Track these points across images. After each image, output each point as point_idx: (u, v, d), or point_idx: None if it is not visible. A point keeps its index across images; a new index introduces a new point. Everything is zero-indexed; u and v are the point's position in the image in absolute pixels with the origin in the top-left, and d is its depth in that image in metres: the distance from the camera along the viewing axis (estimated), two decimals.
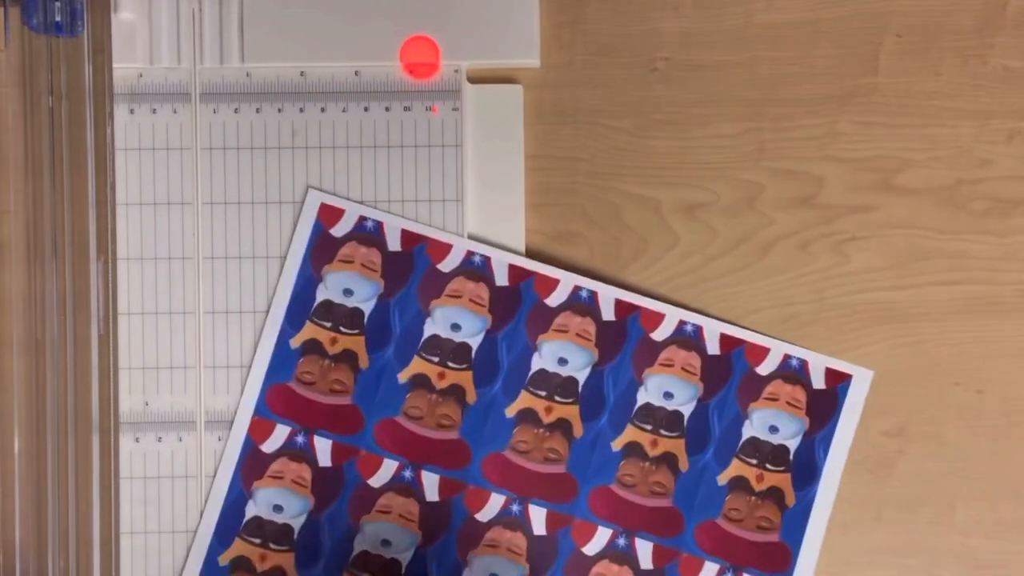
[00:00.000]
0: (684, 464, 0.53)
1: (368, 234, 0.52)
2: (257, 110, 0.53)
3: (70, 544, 0.53)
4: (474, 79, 0.54)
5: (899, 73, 0.55)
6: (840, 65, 0.54)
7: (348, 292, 0.52)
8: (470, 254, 0.53)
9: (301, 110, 0.53)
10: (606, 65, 0.54)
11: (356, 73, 0.53)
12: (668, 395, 0.53)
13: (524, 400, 0.53)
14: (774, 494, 0.53)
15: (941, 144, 0.55)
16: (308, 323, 0.52)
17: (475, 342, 0.53)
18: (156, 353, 0.53)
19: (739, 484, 0.53)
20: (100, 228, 0.53)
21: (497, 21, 0.53)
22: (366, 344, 0.52)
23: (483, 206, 0.53)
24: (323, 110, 0.53)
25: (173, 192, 0.53)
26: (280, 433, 0.52)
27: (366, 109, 0.53)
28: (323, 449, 0.52)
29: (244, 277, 0.53)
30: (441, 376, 0.52)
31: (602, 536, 0.53)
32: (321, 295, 0.52)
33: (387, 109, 0.53)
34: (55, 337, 0.53)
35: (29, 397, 0.53)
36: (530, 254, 0.54)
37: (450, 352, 0.52)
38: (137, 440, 0.52)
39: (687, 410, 0.53)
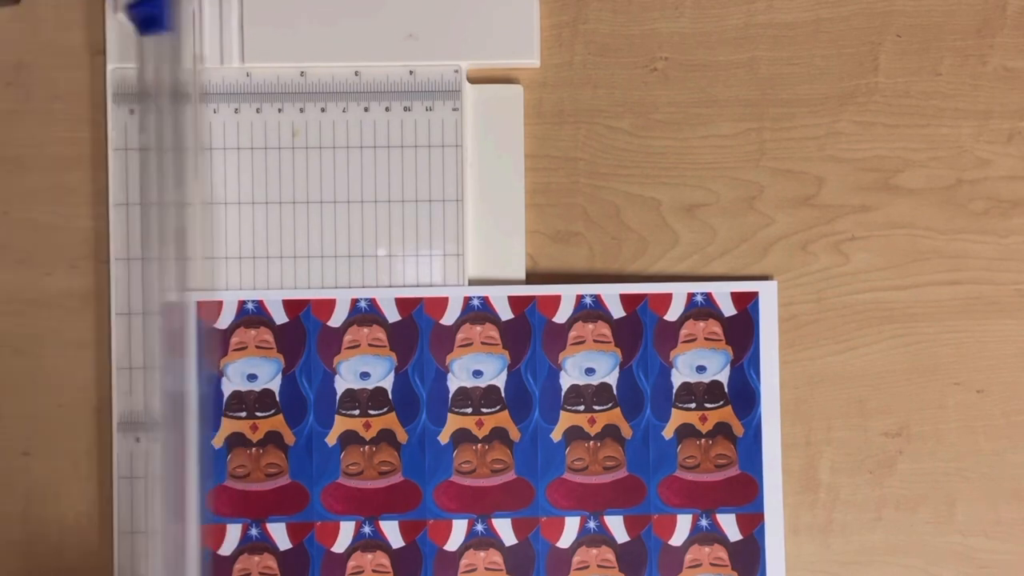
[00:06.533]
0: (627, 431, 0.53)
1: (251, 316, 0.53)
2: (257, 110, 0.53)
3: (69, 544, 0.53)
4: (474, 79, 0.54)
5: (899, 73, 0.55)
6: (840, 65, 0.54)
7: (252, 377, 0.52)
8: (468, 299, 0.53)
9: (301, 110, 0.53)
10: (606, 65, 0.54)
11: (356, 73, 0.53)
12: (590, 371, 0.53)
13: (567, 419, 0.53)
14: (722, 430, 0.53)
15: (941, 144, 0.55)
16: (224, 419, 0.52)
17: (500, 382, 0.53)
18: (155, 353, 0.52)
19: (686, 432, 0.53)
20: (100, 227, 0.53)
21: (497, 21, 0.53)
22: (286, 420, 0.52)
23: (483, 206, 0.53)
24: (323, 110, 0.53)
25: (173, 193, 0.53)
26: (233, 532, 0.52)
27: (366, 109, 0.53)
28: (279, 533, 0.52)
29: (244, 276, 0.53)
30: (367, 426, 0.53)
31: (572, 526, 0.53)
32: (227, 388, 0.52)
33: (387, 109, 0.53)
34: (56, 337, 0.53)
35: (29, 397, 0.53)
36: (531, 257, 0.54)
37: (480, 399, 0.53)
38: (137, 440, 0.52)
39: (612, 379, 0.53)
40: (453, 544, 0.53)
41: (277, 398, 0.53)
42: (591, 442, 0.53)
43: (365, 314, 0.53)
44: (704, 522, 0.53)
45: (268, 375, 0.53)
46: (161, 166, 0.51)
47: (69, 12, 0.53)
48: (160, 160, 0.51)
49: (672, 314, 0.53)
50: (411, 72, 0.53)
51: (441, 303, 0.53)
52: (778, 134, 0.54)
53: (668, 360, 0.53)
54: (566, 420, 0.53)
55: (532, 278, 0.54)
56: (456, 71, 0.53)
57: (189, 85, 0.51)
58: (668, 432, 0.53)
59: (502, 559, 0.53)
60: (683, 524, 0.53)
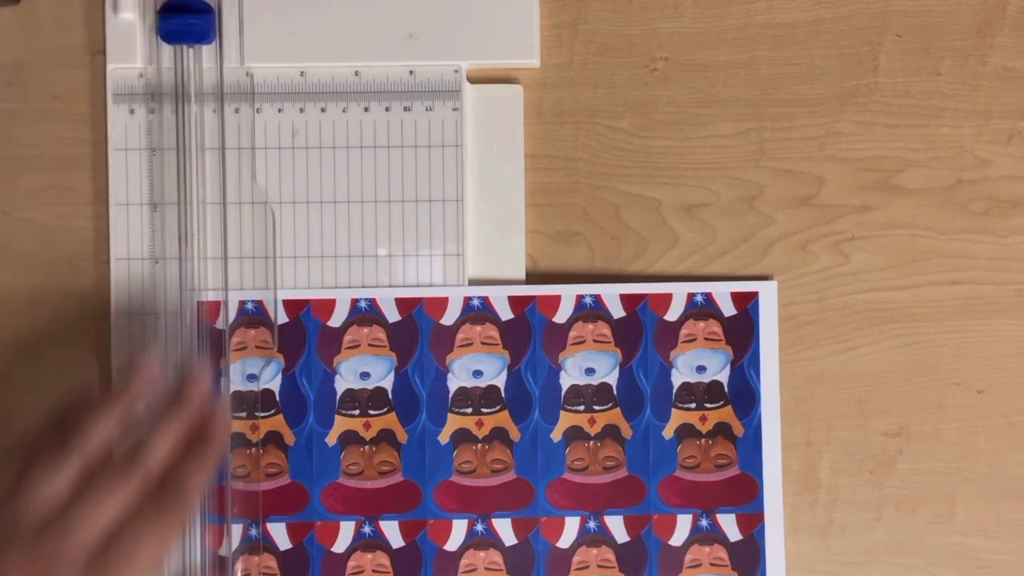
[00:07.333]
0: (627, 431, 0.53)
1: (252, 316, 0.53)
2: (257, 110, 0.53)
3: None
4: (474, 79, 0.54)
5: (899, 73, 0.55)
6: (840, 65, 0.54)
7: (252, 377, 0.52)
8: (468, 299, 0.53)
9: (301, 110, 0.53)
10: (606, 65, 0.54)
11: (356, 73, 0.53)
12: (590, 371, 0.53)
13: (567, 419, 0.53)
14: (722, 430, 0.53)
15: (941, 144, 0.55)
16: None
17: (500, 382, 0.53)
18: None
19: (686, 432, 0.53)
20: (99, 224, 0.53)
21: (497, 21, 0.53)
22: (286, 420, 0.52)
23: (483, 206, 0.53)
24: (323, 110, 0.53)
25: (173, 193, 0.53)
26: (234, 532, 0.52)
27: (366, 109, 0.53)
28: (279, 533, 0.52)
29: (245, 276, 0.53)
30: (367, 426, 0.53)
31: (572, 526, 0.53)
32: (229, 388, 0.52)
33: (387, 109, 0.53)
34: (56, 337, 0.53)
35: (29, 397, 0.53)
36: (531, 257, 0.54)
37: (480, 399, 0.53)
38: None
39: (612, 379, 0.53)
40: (453, 544, 0.53)
41: (277, 398, 0.53)
42: (591, 442, 0.53)
43: (365, 314, 0.53)
44: (704, 522, 0.53)
45: (269, 375, 0.53)
46: (186, 166, 0.52)
47: (69, 12, 0.53)
48: (185, 160, 0.52)
49: (672, 314, 0.53)
50: (411, 72, 0.53)
51: (441, 303, 0.53)
52: (778, 134, 0.54)
53: (668, 360, 0.53)
54: (566, 420, 0.53)
55: (532, 278, 0.54)
56: (456, 71, 0.53)
57: (225, 87, 0.52)
58: (668, 432, 0.53)
59: (502, 559, 0.53)
60: (683, 524, 0.53)
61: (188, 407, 0.47)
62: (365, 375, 0.53)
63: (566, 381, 0.53)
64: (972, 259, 0.54)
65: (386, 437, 0.53)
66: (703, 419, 0.53)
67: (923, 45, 0.55)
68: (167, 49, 0.52)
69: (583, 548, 0.53)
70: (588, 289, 0.53)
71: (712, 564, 0.53)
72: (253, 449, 0.52)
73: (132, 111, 0.53)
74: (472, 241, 0.53)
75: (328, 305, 0.53)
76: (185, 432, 0.47)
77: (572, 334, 0.53)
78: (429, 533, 0.53)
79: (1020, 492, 0.54)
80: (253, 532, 0.52)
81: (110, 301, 0.53)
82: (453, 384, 0.53)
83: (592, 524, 0.53)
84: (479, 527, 0.53)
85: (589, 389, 0.53)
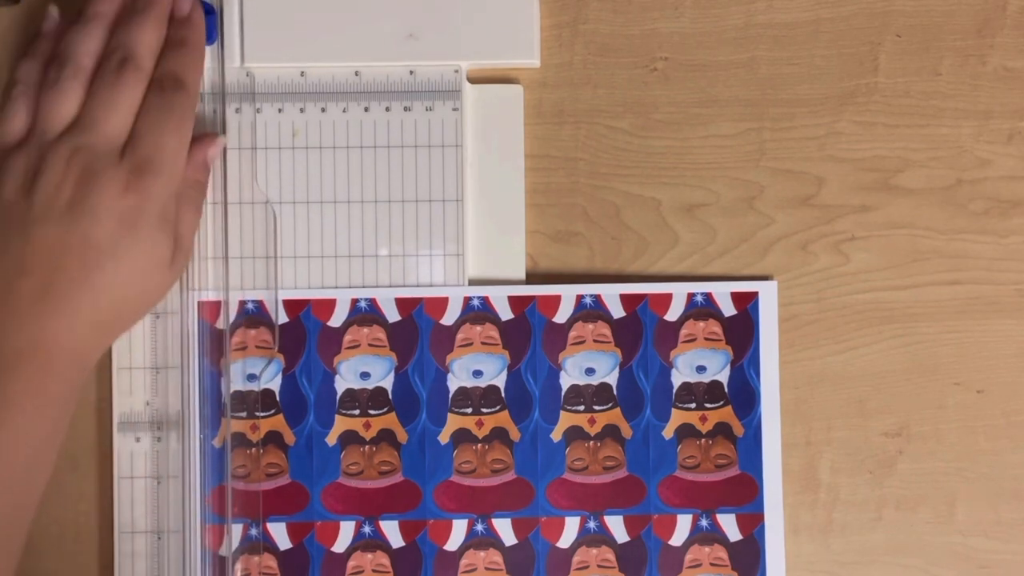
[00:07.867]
0: (627, 431, 0.53)
1: (252, 316, 0.53)
2: (257, 110, 0.53)
3: (69, 544, 0.53)
4: (474, 79, 0.54)
5: (899, 73, 0.55)
6: (840, 65, 0.55)
7: (252, 377, 0.52)
8: (468, 299, 0.53)
9: (301, 110, 0.53)
10: (606, 65, 0.54)
11: (356, 73, 0.53)
12: (590, 371, 0.53)
13: (567, 419, 0.53)
14: (722, 430, 0.53)
15: (941, 144, 0.55)
16: (224, 419, 0.52)
17: (500, 382, 0.53)
18: (155, 353, 0.53)
19: (686, 432, 0.53)
20: None
21: (497, 21, 0.53)
22: (286, 420, 0.52)
23: (483, 206, 0.53)
24: (323, 110, 0.53)
25: None
26: (234, 532, 0.52)
27: (366, 109, 0.53)
28: (279, 533, 0.52)
29: (245, 276, 0.53)
30: (367, 426, 0.52)
31: (572, 526, 0.53)
32: (229, 388, 0.52)
33: (387, 109, 0.53)
34: None
35: None
36: (531, 257, 0.54)
37: (480, 399, 0.53)
38: (137, 440, 0.52)
39: (612, 379, 0.53)
40: (453, 544, 0.53)
41: (277, 398, 0.53)
42: (591, 442, 0.53)
43: (365, 314, 0.53)
44: (704, 522, 0.53)
45: (270, 374, 0.53)
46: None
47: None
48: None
49: (672, 314, 0.53)
50: (411, 72, 0.53)
51: (441, 303, 0.53)
52: (778, 134, 0.54)
53: (668, 360, 0.53)
54: (566, 420, 0.53)
55: (532, 278, 0.54)
56: (456, 71, 0.53)
57: (226, 87, 0.52)
58: (668, 432, 0.53)
59: (502, 559, 0.53)
60: (683, 524, 0.53)
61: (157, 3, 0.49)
62: (365, 375, 0.53)
63: (566, 381, 0.53)
64: (972, 259, 0.54)
65: (386, 437, 0.53)
66: (703, 419, 0.53)
67: (923, 45, 0.55)
68: None
69: (583, 548, 0.53)
70: (588, 289, 0.53)
71: (712, 564, 0.53)
72: (253, 449, 0.52)
73: None
74: (472, 241, 0.53)
75: (328, 305, 0.53)
76: (162, 29, 0.49)
77: (572, 334, 0.53)
78: (429, 533, 0.53)
79: (1020, 492, 0.54)
80: (253, 532, 0.52)
81: None
82: (453, 384, 0.53)
83: (592, 524, 0.53)
84: (479, 527, 0.53)
85: (589, 389, 0.53)
